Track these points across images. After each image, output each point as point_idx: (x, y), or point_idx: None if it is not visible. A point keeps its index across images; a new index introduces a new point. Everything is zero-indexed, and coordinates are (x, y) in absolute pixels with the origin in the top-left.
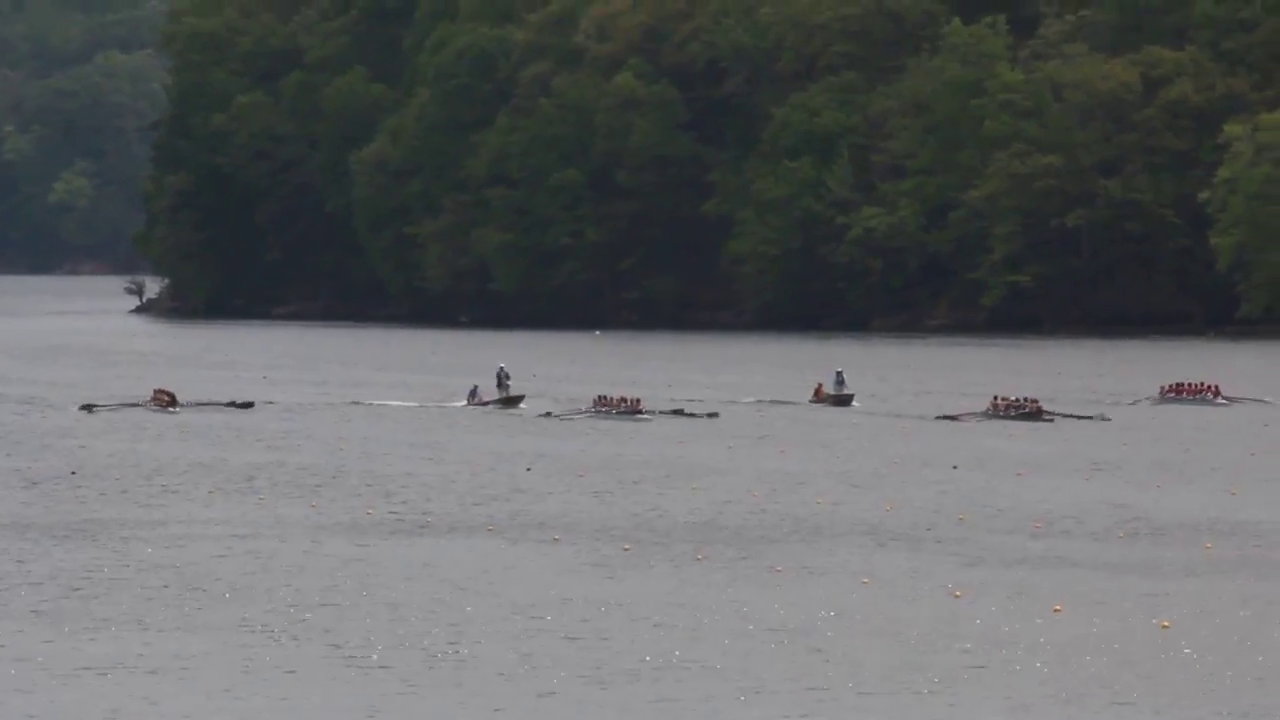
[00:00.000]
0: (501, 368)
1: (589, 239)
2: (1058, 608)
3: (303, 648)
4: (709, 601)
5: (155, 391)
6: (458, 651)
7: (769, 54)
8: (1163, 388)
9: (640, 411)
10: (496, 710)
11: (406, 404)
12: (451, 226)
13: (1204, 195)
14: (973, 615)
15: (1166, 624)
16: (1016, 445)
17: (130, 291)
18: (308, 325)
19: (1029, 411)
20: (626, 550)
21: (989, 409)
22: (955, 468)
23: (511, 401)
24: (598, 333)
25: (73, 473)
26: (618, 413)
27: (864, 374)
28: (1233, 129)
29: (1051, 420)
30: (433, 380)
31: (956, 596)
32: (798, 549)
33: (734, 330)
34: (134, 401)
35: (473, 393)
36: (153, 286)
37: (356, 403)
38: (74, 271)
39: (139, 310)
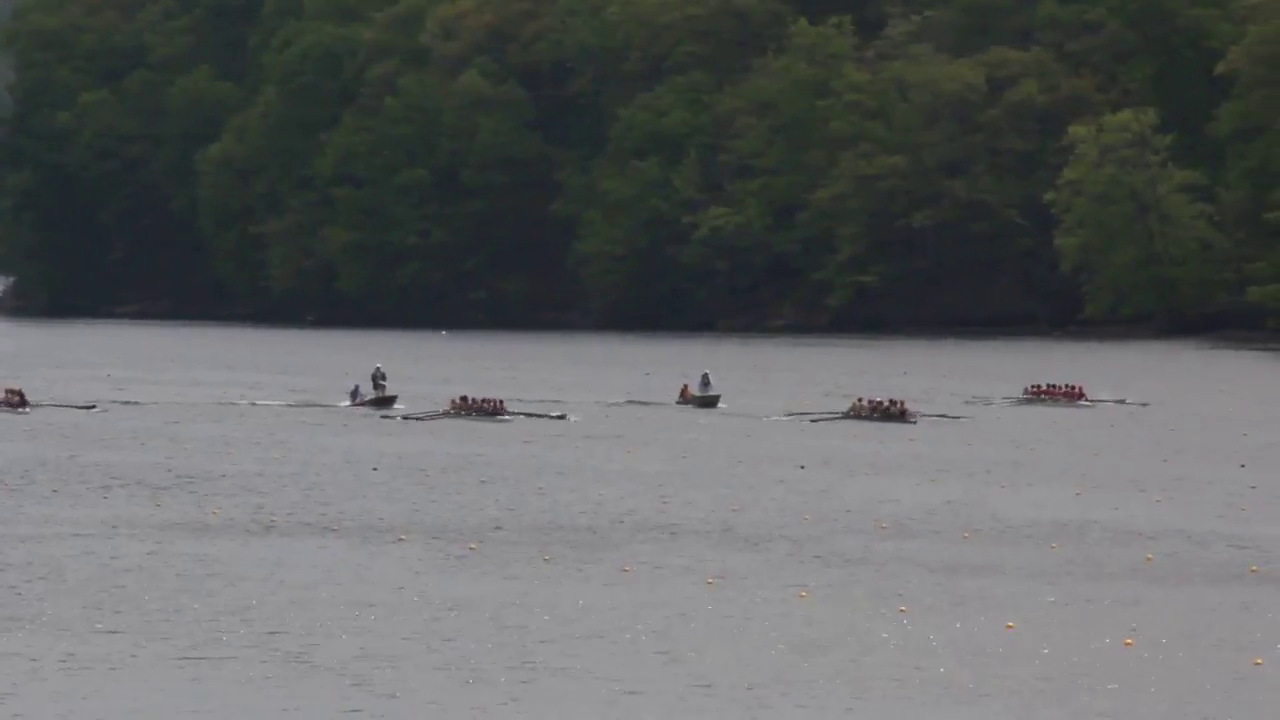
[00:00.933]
0: (378, 368)
1: (435, 239)
2: (903, 609)
3: (145, 648)
4: (555, 601)
5: (5, 391)
6: (302, 651)
7: (616, 54)
8: (1027, 388)
9: (502, 412)
10: (343, 710)
11: (286, 404)
12: (297, 226)
13: (1049, 196)
14: (818, 616)
15: (1011, 625)
16: (868, 446)
17: None
18: (152, 325)
19: (894, 413)
20: (472, 550)
21: (852, 410)
22: (802, 467)
23: (385, 402)
24: (444, 332)
25: None
26: (478, 413)
27: (729, 375)
28: (1077, 130)
29: (915, 422)
30: (296, 381)
31: (801, 597)
32: (645, 549)
33: (580, 330)
34: None
35: (354, 392)
36: None
37: (231, 403)
38: None
39: None
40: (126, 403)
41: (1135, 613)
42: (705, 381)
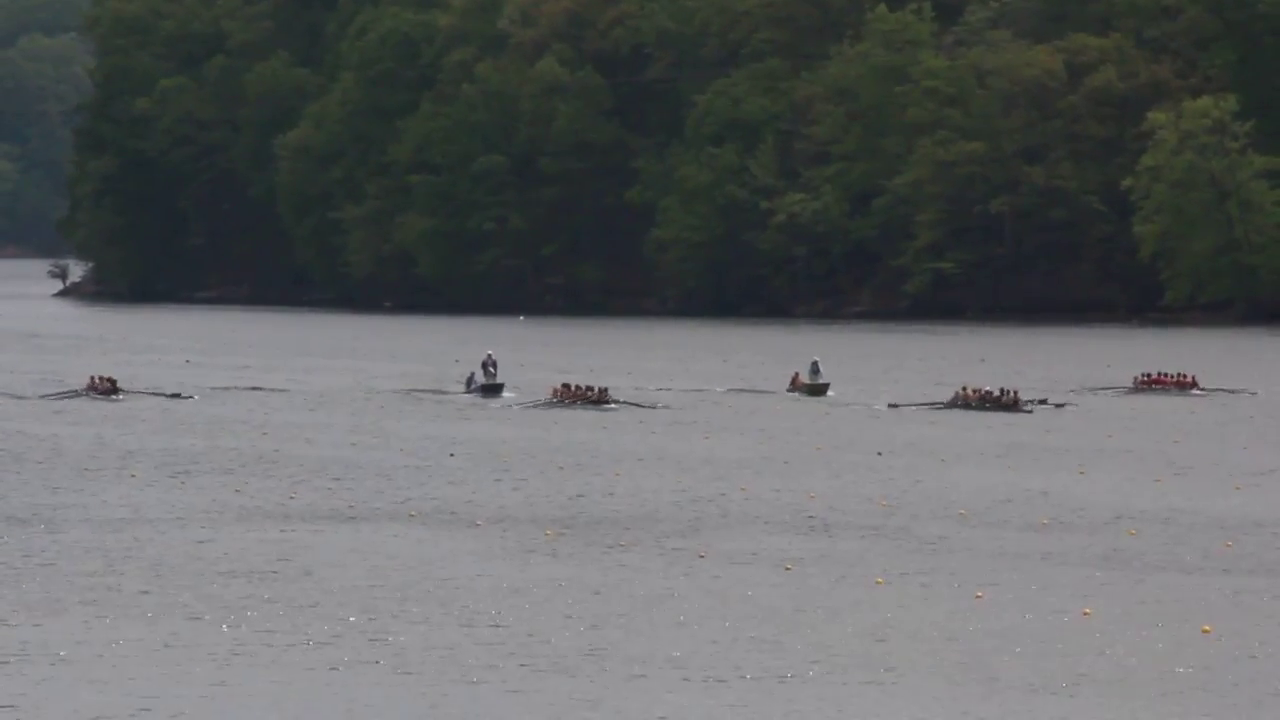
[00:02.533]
0: (489, 355)
1: (512, 225)
2: (979, 595)
3: (223, 634)
4: (630, 587)
5: (96, 378)
6: (374, 638)
7: (694, 40)
8: (1137, 377)
9: (606, 400)
10: (420, 697)
11: (403, 390)
12: (375, 212)
13: (1127, 183)
14: (893, 602)
15: (1088, 612)
16: (956, 433)
17: (53, 275)
18: (231, 310)
19: (1006, 402)
20: (548, 536)
21: (956, 398)
22: (879, 454)
23: (493, 390)
24: (521, 318)
25: None
26: (582, 401)
27: (839, 362)
28: (1156, 117)
29: (1031, 411)
30: (401, 368)
31: (878, 583)
32: (722, 535)
33: (656, 317)
34: (73, 390)
35: (469, 380)
36: (76, 271)
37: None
38: None
39: (62, 294)
40: (226, 389)
41: (1214, 600)
42: (815, 369)
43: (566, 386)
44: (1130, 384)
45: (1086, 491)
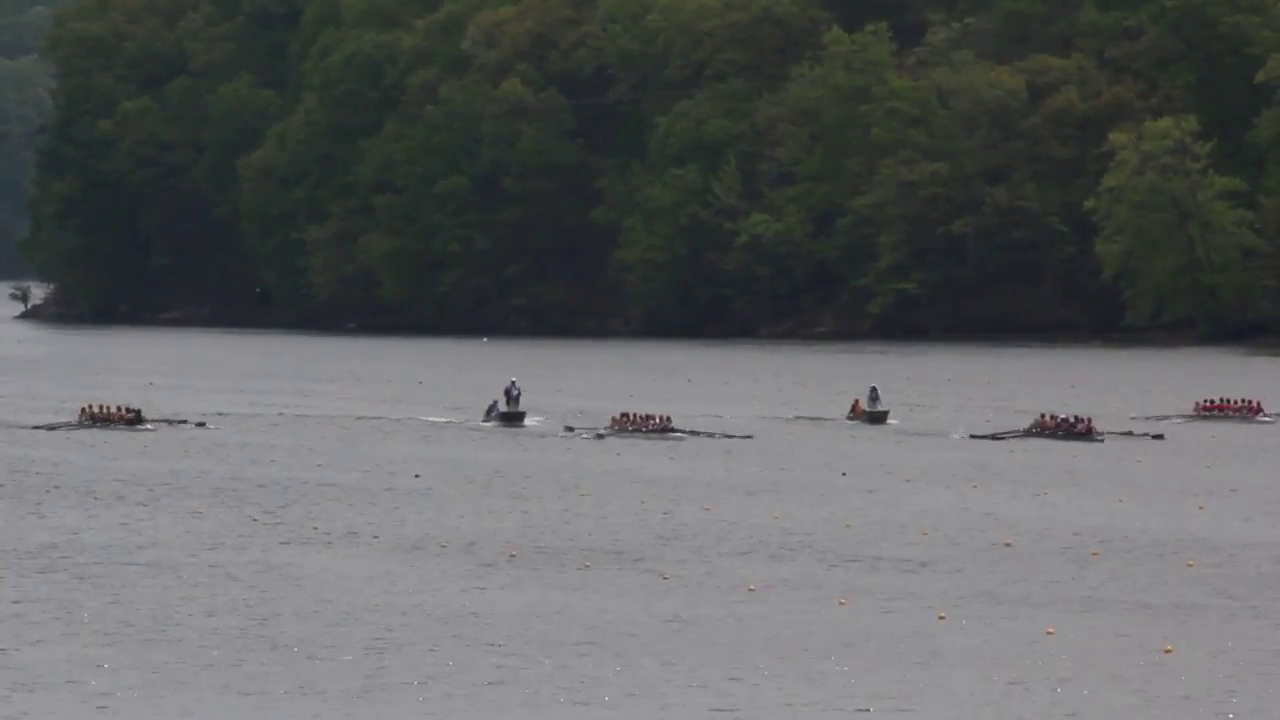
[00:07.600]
0: (513, 382)
1: (476, 246)
2: (942, 615)
3: (166, 659)
4: (591, 610)
5: (89, 407)
6: (339, 661)
7: (656, 61)
8: (1199, 404)
9: (671, 429)
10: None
11: (431, 420)
12: (338, 233)
13: (1089, 203)
14: (856, 622)
15: (1051, 631)
16: (931, 455)
17: (15, 297)
18: (195, 332)
19: (1079, 430)
20: (514, 557)
21: (1034, 425)
22: (844, 474)
23: (515, 418)
24: (485, 339)
25: None
26: (646, 430)
27: (895, 388)
28: (1118, 137)
29: (1102, 440)
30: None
31: (841, 604)
32: (686, 557)
33: (622, 338)
34: (67, 422)
35: (491, 408)
36: (38, 292)
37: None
38: None
39: (24, 316)
40: (244, 415)
41: (1176, 620)
42: (874, 396)
43: (626, 415)
44: (1191, 410)
45: (1054, 512)
